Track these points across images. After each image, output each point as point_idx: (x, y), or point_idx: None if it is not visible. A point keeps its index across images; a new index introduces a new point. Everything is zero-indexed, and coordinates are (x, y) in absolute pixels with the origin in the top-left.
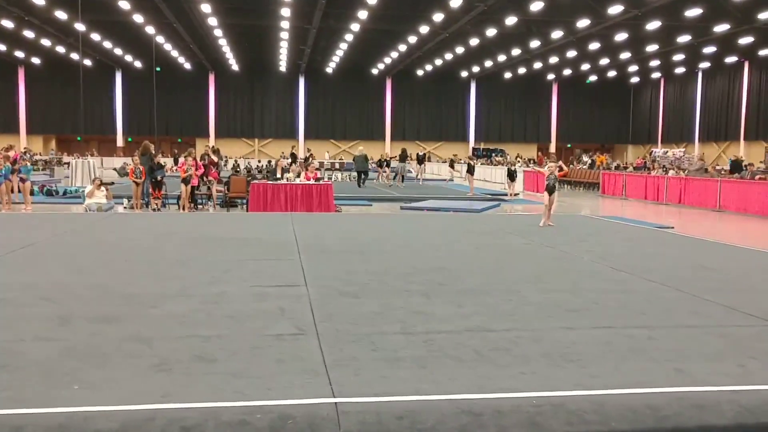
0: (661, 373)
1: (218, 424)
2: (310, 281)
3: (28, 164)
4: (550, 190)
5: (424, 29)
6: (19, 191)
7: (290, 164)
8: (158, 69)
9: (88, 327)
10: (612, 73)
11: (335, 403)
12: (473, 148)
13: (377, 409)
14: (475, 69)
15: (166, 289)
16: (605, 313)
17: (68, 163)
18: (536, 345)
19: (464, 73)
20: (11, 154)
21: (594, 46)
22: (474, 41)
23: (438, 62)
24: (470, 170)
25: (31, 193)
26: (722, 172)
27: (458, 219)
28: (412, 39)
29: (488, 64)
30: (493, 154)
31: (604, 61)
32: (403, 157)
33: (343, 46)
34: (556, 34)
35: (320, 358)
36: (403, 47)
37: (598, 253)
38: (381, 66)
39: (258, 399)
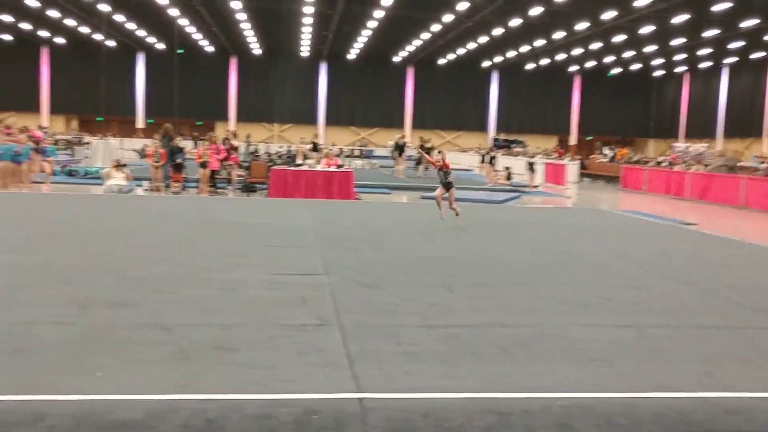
0: (689, 376)
1: (242, 416)
2: (329, 270)
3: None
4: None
5: (447, 18)
6: (42, 170)
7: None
8: (180, 51)
9: (107, 312)
10: (636, 66)
11: (360, 398)
12: (493, 139)
13: (403, 406)
14: (498, 59)
15: (183, 274)
16: (625, 311)
17: (89, 143)
18: (557, 342)
19: (486, 63)
20: (38, 134)
21: (619, 38)
22: (497, 31)
23: (460, 51)
24: (491, 161)
25: (53, 173)
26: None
27: (478, 210)
28: (436, 27)
29: (511, 54)
30: (513, 145)
31: (628, 54)
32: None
33: (366, 32)
34: (581, 26)
35: (342, 351)
36: (426, 35)
37: (617, 249)
38: (403, 54)
39: (281, 392)
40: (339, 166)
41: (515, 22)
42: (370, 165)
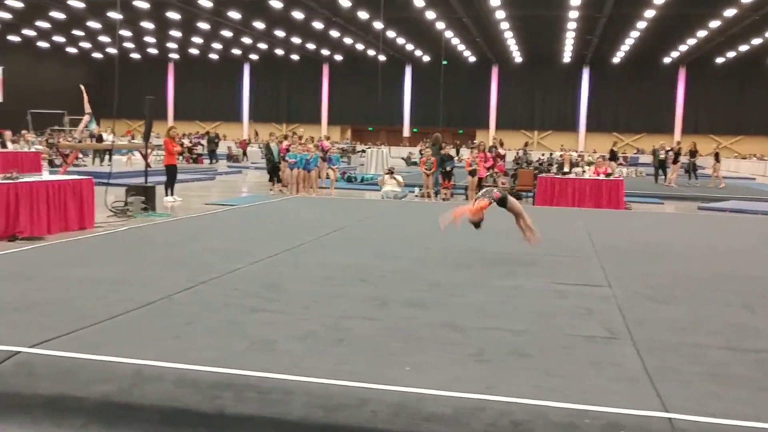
0: None
1: (546, 422)
2: (612, 282)
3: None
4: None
5: (729, 12)
6: (327, 177)
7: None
8: (445, 63)
9: (403, 310)
10: None
11: (669, 418)
12: None
13: (716, 431)
14: None
15: (464, 278)
16: None
17: (363, 151)
18: None
19: None
20: (325, 144)
21: None
22: None
23: (743, 48)
24: None
25: (336, 179)
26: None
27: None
28: (714, 24)
29: None
30: None
31: None
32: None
33: (634, 34)
34: None
35: (640, 366)
36: (702, 33)
37: None
38: (674, 54)
39: (581, 402)
40: (608, 175)
41: None
42: (637, 173)
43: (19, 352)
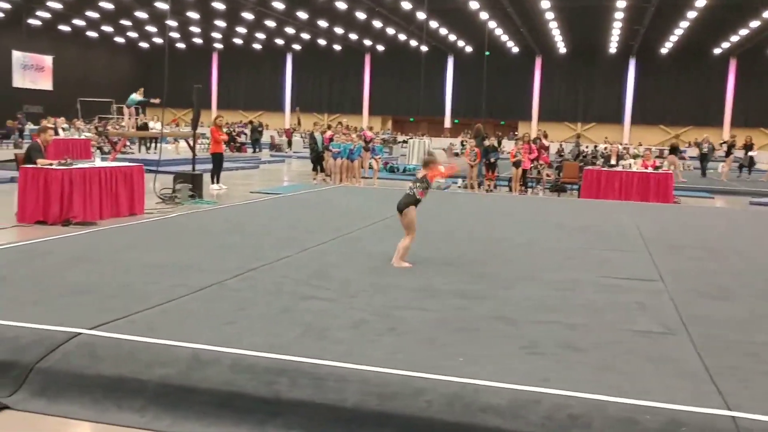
0: None
1: (604, 417)
2: (664, 276)
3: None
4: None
5: None
6: (371, 167)
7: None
8: (488, 53)
9: (453, 301)
10: None
11: (732, 416)
12: None
13: None
14: None
15: (513, 270)
16: None
17: (404, 142)
18: None
19: None
20: (368, 134)
21: None
22: None
23: None
24: None
25: (379, 169)
26: None
27: None
28: (767, 14)
29: None
30: None
31: None
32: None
33: (683, 24)
34: None
35: (699, 364)
36: (754, 23)
37: None
38: (724, 45)
39: (639, 398)
40: (656, 168)
41: None
42: (684, 166)
43: (80, 333)
